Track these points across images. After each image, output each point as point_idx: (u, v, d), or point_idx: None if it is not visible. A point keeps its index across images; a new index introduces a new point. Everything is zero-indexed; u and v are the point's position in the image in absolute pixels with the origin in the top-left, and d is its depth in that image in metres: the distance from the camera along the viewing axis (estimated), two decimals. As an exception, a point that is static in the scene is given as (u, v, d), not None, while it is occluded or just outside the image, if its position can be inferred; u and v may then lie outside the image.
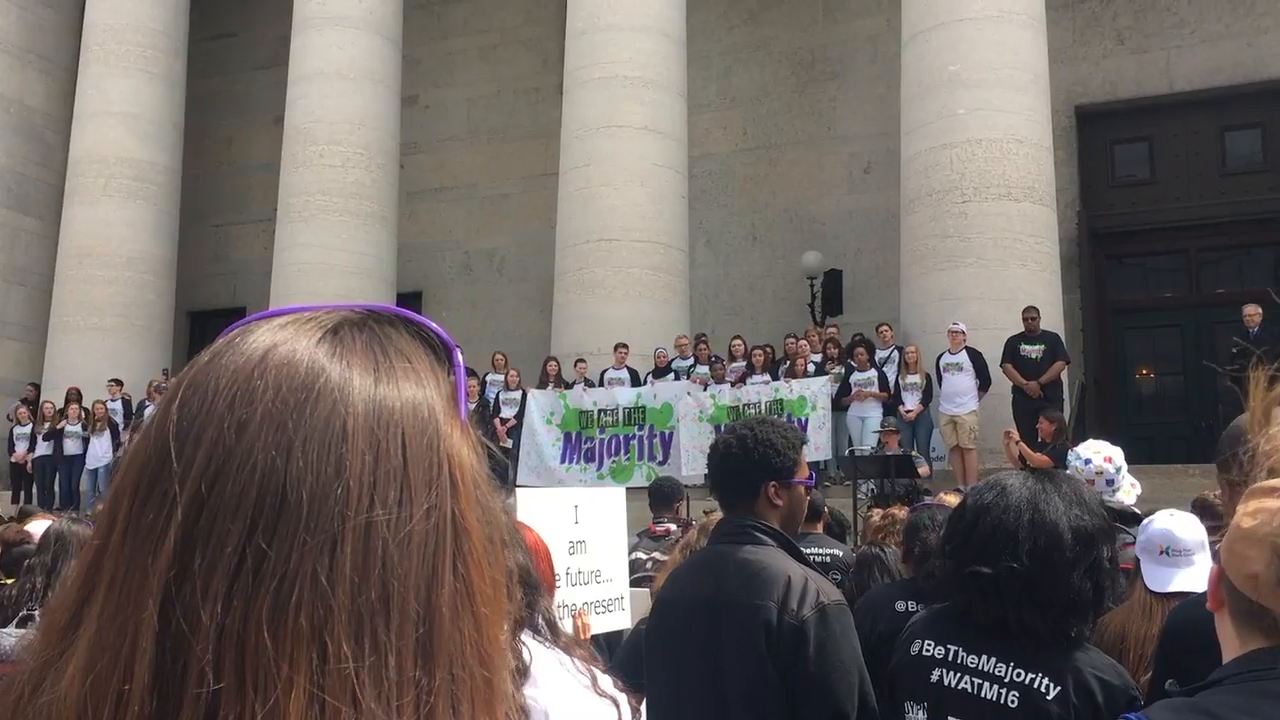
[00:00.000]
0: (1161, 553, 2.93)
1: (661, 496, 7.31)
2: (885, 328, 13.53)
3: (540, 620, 1.69)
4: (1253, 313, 11.92)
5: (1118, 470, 3.67)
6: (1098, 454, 3.68)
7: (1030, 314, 12.07)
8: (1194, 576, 2.89)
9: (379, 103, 17.29)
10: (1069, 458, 3.82)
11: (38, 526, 5.12)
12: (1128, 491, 3.72)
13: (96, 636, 0.58)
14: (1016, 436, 10.36)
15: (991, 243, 12.81)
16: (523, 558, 1.85)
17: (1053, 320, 12.71)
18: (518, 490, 5.91)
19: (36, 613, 3.98)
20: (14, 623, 3.94)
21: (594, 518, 4.81)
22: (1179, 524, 3.01)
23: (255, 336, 0.63)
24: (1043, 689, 2.09)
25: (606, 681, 1.43)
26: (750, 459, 2.69)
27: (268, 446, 0.59)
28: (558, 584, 3.55)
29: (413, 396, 0.63)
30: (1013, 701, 2.11)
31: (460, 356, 0.69)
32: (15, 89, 19.70)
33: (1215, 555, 1.55)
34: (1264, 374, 1.33)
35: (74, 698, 0.57)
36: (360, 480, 0.59)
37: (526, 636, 1.53)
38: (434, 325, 0.69)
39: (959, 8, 13.30)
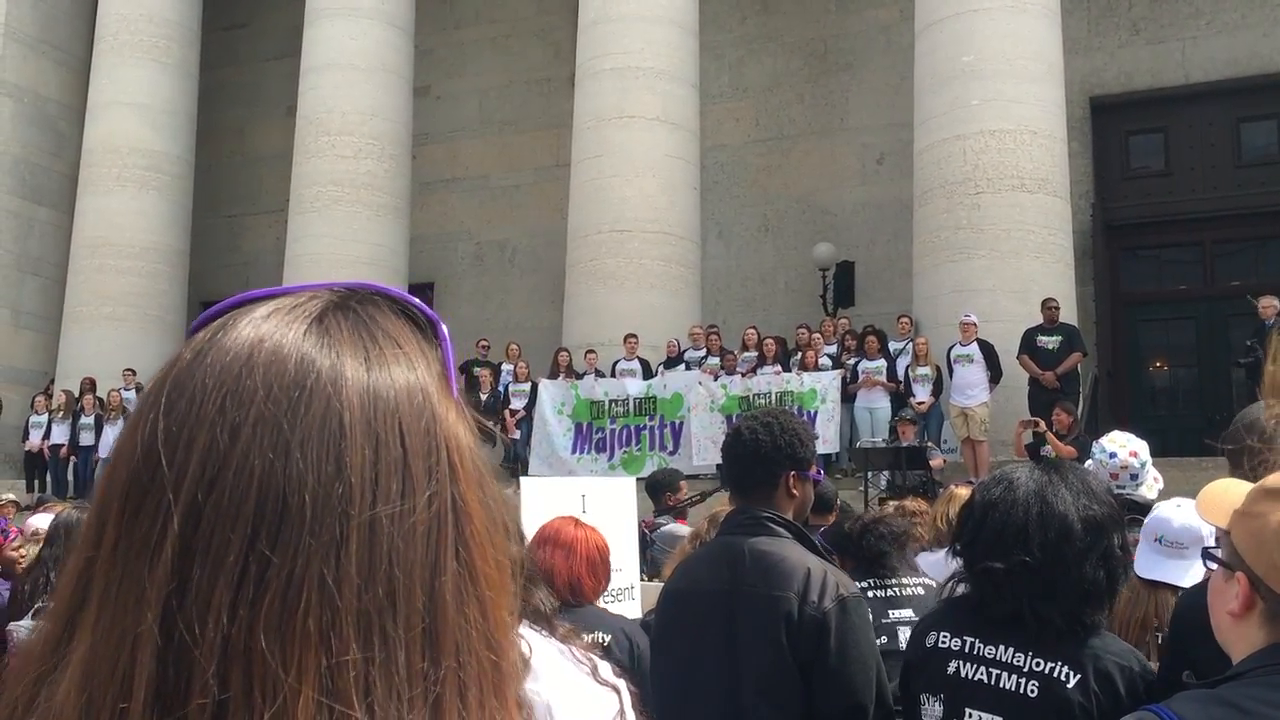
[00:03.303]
0: (1156, 540, 2.92)
1: (654, 486, 7.35)
2: (905, 319, 13.48)
3: (538, 611, 1.70)
4: (1268, 305, 11.85)
5: (1142, 465, 3.63)
6: (1123, 448, 3.64)
7: (1050, 304, 12.03)
8: (1183, 570, 2.88)
9: (391, 93, 17.30)
10: (1093, 450, 3.78)
11: (42, 519, 5.16)
12: (1150, 486, 3.68)
13: (91, 651, 0.56)
14: (1044, 426, 10.33)
15: (1004, 234, 12.77)
16: (518, 549, 1.84)
17: (1066, 313, 12.66)
18: (524, 479, 5.90)
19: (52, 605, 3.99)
20: (30, 615, 3.97)
21: (602, 507, 4.82)
22: (1178, 514, 2.99)
23: (238, 331, 0.61)
24: (1063, 677, 2.09)
25: (606, 669, 1.43)
26: (777, 446, 2.70)
27: (264, 450, 0.57)
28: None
29: (406, 382, 0.61)
30: (1032, 691, 2.11)
31: (446, 330, 0.67)
32: (29, 79, 19.74)
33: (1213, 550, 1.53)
34: None
35: (69, 715, 0.55)
36: (362, 476, 0.58)
37: (524, 628, 1.53)
38: (416, 301, 0.67)
39: (973, -2, 13.24)
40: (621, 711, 1.41)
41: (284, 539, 0.56)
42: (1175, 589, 2.86)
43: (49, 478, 16.18)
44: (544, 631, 1.58)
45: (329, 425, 0.58)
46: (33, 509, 7.95)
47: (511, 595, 0.65)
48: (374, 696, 0.56)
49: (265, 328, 0.61)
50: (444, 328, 0.67)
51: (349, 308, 0.63)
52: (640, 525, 6.82)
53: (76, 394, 16.34)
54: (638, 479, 6.56)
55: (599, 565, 3.18)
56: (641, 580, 5.41)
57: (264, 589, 0.55)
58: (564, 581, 3.05)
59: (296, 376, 0.59)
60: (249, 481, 0.56)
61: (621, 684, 1.46)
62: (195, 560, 0.55)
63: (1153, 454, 3.80)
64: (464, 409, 0.65)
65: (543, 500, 4.70)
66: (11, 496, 11.06)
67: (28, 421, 16.68)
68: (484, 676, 0.60)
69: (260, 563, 0.55)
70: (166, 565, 0.56)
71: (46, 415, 16.40)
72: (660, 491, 7.26)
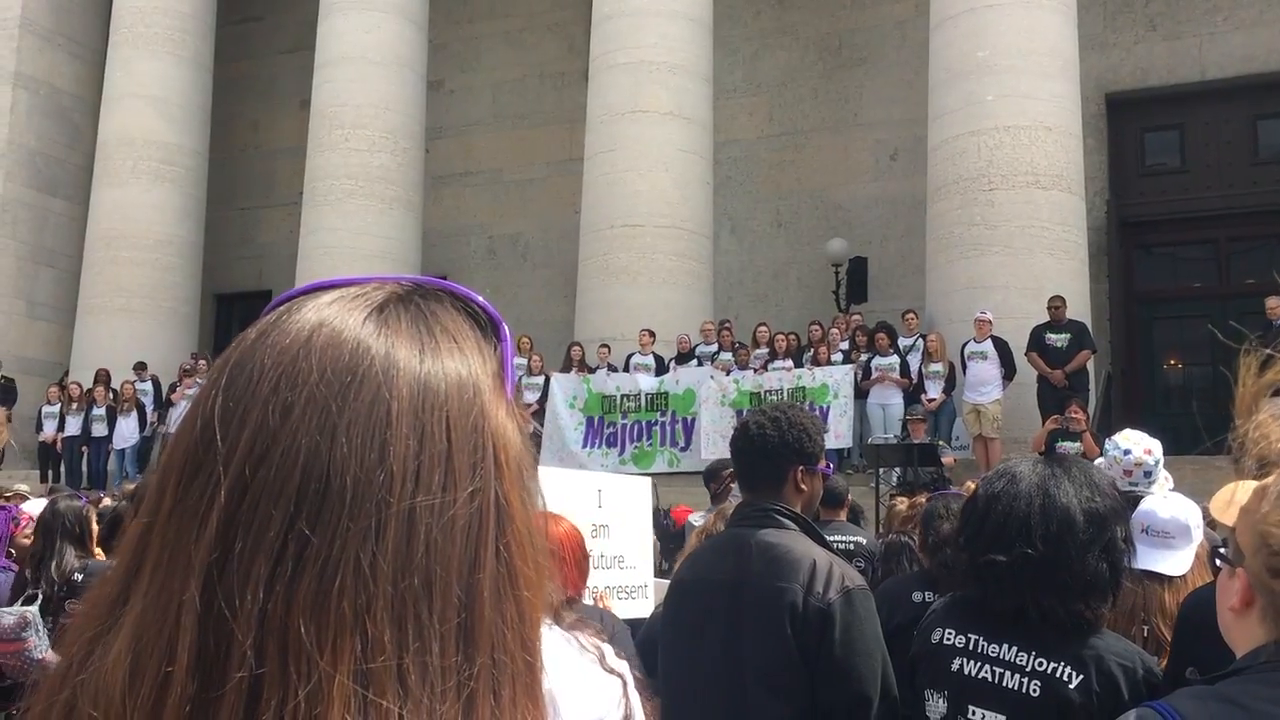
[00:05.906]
0: (1143, 531, 2.95)
1: (707, 476, 7.35)
2: (911, 315, 13.45)
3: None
4: (1275, 305, 11.80)
5: (1156, 463, 3.63)
6: (1137, 445, 3.63)
7: (1056, 303, 11.99)
8: (1170, 559, 2.93)
9: (405, 87, 17.32)
10: (1107, 447, 3.78)
11: (34, 505, 5.25)
12: (1161, 485, 3.68)
13: (141, 614, 0.58)
14: (1084, 425, 10.33)
15: (1019, 231, 12.72)
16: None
17: (1080, 309, 12.61)
18: (541, 469, 5.87)
19: (38, 593, 4.12)
20: (20, 601, 4.07)
21: (618, 503, 4.81)
22: (1164, 505, 3.03)
23: (302, 314, 0.63)
24: (1065, 678, 2.08)
25: (613, 656, 1.45)
26: (784, 440, 2.69)
27: (311, 431, 0.58)
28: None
29: (458, 376, 0.62)
30: (1035, 690, 2.10)
31: (507, 330, 0.68)
32: (44, 71, 19.82)
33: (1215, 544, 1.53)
34: (1256, 361, 1.32)
35: (118, 674, 0.57)
36: (404, 465, 0.59)
37: None
38: (480, 299, 0.68)
39: (988, -7, 13.18)
40: (625, 696, 1.43)
41: (323, 520, 0.57)
42: (1162, 579, 2.91)
43: (62, 468, 16.26)
44: (549, 621, 1.59)
45: (376, 413, 0.59)
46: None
47: (547, 597, 0.66)
48: (407, 684, 0.57)
49: (327, 313, 0.63)
50: (506, 328, 0.69)
51: (412, 300, 0.66)
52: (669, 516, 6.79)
53: (89, 386, 16.40)
54: (651, 473, 6.55)
55: (583, 560, 3.16)
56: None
57: (301, 567, 0.57)
58: (559, 584, 3.04)
59: (350, 362, 0.60)
60: (295, 460, 0.58)
61: (625, 668, 1.48)
62: (238, 533, 0.57)
63: (1165, 452, 3.78)
64: (515, 409, 0.66)
65: (559, 492, 4.69)
66: (24, 487, 11.09)
67: (40, 412, 16.78)
68: (518, 677, 0.61)
69: (299, 541, 0.57)
70: (211, 535, 0.57)
71: (59, 406, 16.47)
72: (709, 480, 7.28)
